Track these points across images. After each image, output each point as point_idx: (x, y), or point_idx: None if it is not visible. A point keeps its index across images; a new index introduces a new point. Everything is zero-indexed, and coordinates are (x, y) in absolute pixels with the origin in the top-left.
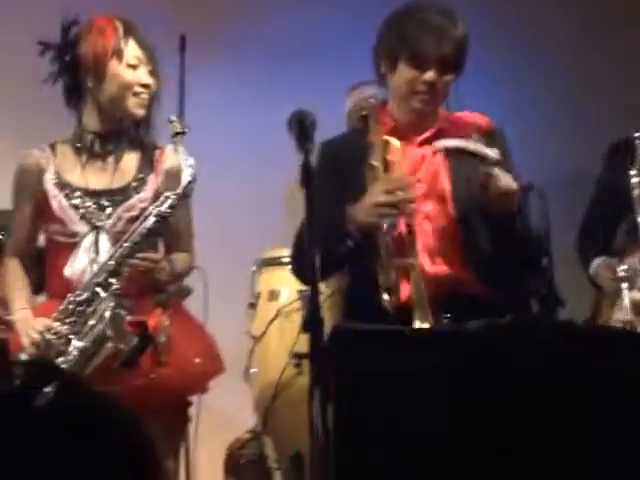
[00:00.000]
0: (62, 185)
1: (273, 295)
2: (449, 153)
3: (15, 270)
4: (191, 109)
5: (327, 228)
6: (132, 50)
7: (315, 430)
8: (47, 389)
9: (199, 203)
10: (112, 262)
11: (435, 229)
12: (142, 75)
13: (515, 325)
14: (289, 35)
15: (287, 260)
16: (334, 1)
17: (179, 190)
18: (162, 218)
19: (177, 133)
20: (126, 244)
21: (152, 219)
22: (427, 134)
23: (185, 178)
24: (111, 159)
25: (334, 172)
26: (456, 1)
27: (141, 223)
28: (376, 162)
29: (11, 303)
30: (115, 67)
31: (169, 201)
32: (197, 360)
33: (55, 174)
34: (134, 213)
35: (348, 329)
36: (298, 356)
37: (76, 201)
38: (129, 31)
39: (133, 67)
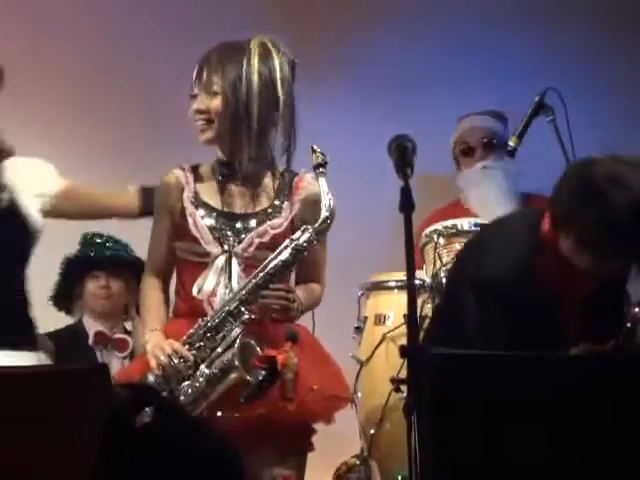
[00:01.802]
0: (199, 204)
1: (379, 319)
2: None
3: (150, 289)
4: (300, 134)
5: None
6: (194, 80)
7: (414, 456)
8: (146, 412)
9: None
10: (245, 291)
11: None
12: (196, 102)
13: (615, 352)
14: (400, 61)
15: (394, 284)
16: (445, 28)
17: (317, 225)
18: (298, 251)
19: (319, 165)
20: (261, 274)
21: (288, 251)
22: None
23: (324, 213)
24: (249, 185)
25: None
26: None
27: (277, 255)
28: None
29: (144, 324)
30: None
31: (306, 235)
32: (319, 390)
33: (194, 193)
34: (265, 239)
35: (443, 355)
36: (397, 381)
37: (211, 221)
38: (202, 61)
39: (193, 97)
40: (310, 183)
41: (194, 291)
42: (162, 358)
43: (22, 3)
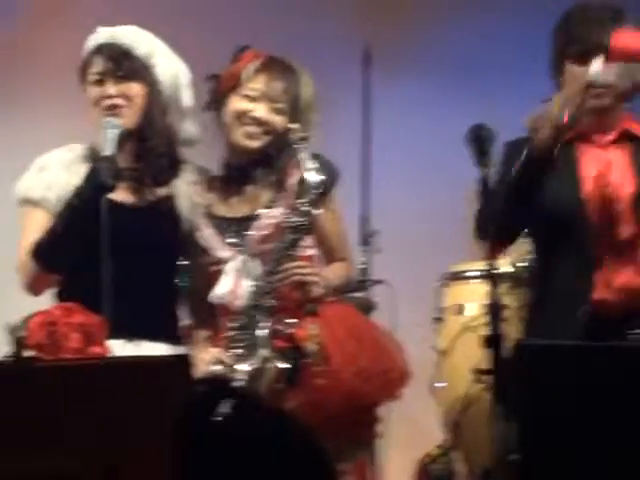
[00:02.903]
0: (208, 215)
1: (459, 309)
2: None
3: (194, 305)
4: (376, 123)
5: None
6: (255, 84)
7: (498, 448)
8: (224, 405)
9: (383, 215)
10: (260, 283)
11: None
12: (257, 108)
13: None
14: (475, 48)
15: (473, 274)
16: (518, 13)
17: (306, 198)
18: (295, 229)
19: (299, 139)
20: (270, 262)
21: (287, 233)
22: (611, 136)
23: (310, 185)
24: (252, 187)
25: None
26: None
27: (278, 239)
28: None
29: (196, 341)
30: (232, 97)
31: (300, 211)
32: (361, 370)
33: (204, 206)
34: (267, 231)
35: (531, 344)
36: (479, 372)
37: (219, 229)
38: (265, 67)
39: (249, 99)
40: (300, 164)
41: (213, 298)
42: (203, 368)
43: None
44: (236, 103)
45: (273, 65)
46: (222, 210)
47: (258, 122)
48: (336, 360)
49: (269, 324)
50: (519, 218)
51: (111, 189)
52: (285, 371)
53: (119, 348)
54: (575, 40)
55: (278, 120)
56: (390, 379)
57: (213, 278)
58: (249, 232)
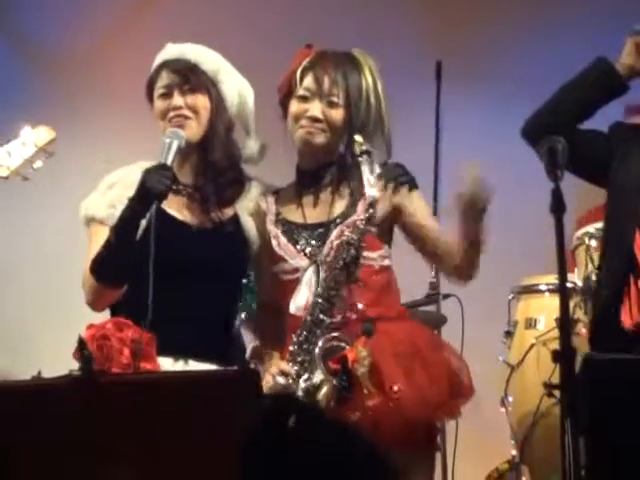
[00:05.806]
0: (281, 223)
1: (530, 323)
2: None
3: (260, 317)
4: (447, 134)
5: None
6: (306, 82)
7: (567, 464)
8: (291, 420)
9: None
10: (319, 298)
11: None
12: (311, 107)
13: None
14: (544, 62)
15: (545, 288)
16: (588, 30)
17: (362, 215)
18: (351, 245)
19: (361, 153)
20: (328, 277)
21: (344, 249)
22: None
23: (367, 200)
24: (326, 192)
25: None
26: None
27: (337, 254)
28: None
29: (262, 353)
30: (291, 101)
31: (356, 227)
32: (435, 398)
33: (275, 214)
34: (338, 241)
35: (600, 359)
36: (550, 386)
37: (294, 236)
38: (313, 64)
39: (303, 99)
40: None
41: (291, 308)
42: (268, 379)
43: None
44: (293, 106)
45: (322, 60)
46: (295, 216)
47: (315, 121)
48: (398, 385)
49: (324, 341)
50: None
51: (161, 196)
52: (335, 391)
53: (168, 366)
54: None
55: (335, 114)
56: (455, 404)
57: (288, 288)
58: (324, 240)
